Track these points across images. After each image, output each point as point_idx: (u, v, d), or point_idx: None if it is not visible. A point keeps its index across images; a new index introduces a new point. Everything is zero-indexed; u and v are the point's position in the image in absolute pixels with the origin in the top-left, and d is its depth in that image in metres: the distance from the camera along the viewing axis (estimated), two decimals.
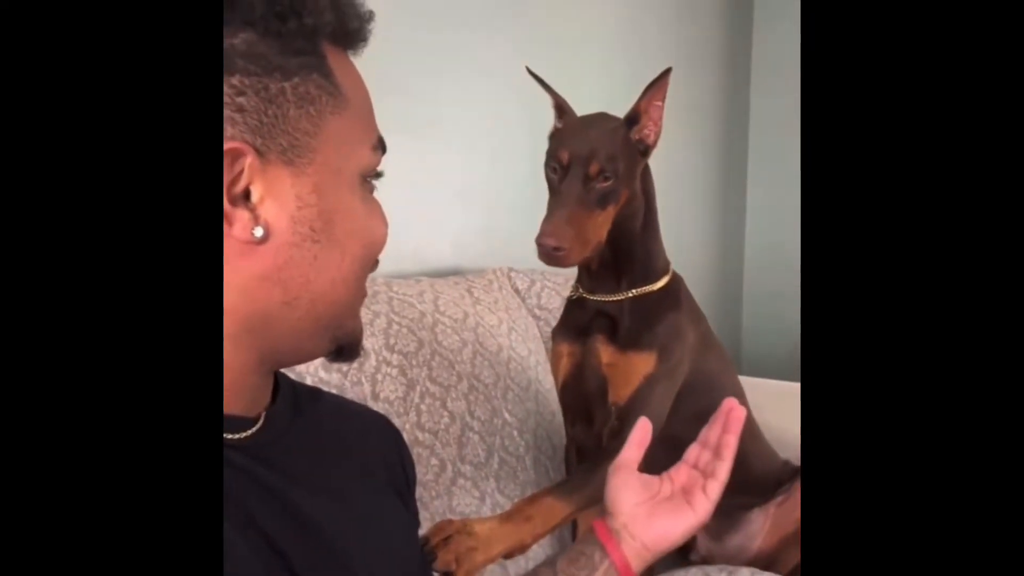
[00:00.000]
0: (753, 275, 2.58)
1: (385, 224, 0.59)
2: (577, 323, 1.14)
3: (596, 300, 1.12)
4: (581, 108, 1.12)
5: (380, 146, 0.59)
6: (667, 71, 1.02)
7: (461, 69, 1.58)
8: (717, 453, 0.77)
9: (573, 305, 1.16)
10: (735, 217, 2.57)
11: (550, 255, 0.98)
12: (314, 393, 0.69)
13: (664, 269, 1.13)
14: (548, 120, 1.11)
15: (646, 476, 0.77)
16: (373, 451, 0.70)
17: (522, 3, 1.74)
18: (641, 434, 0.79)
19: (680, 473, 0.78)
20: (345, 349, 0.60)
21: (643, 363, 1.07)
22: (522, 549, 0.95)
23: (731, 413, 0.77)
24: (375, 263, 0.60)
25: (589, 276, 1.12)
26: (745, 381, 1.27)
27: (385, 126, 0.60)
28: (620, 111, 1.07)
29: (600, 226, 1.02)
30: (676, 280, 1.15)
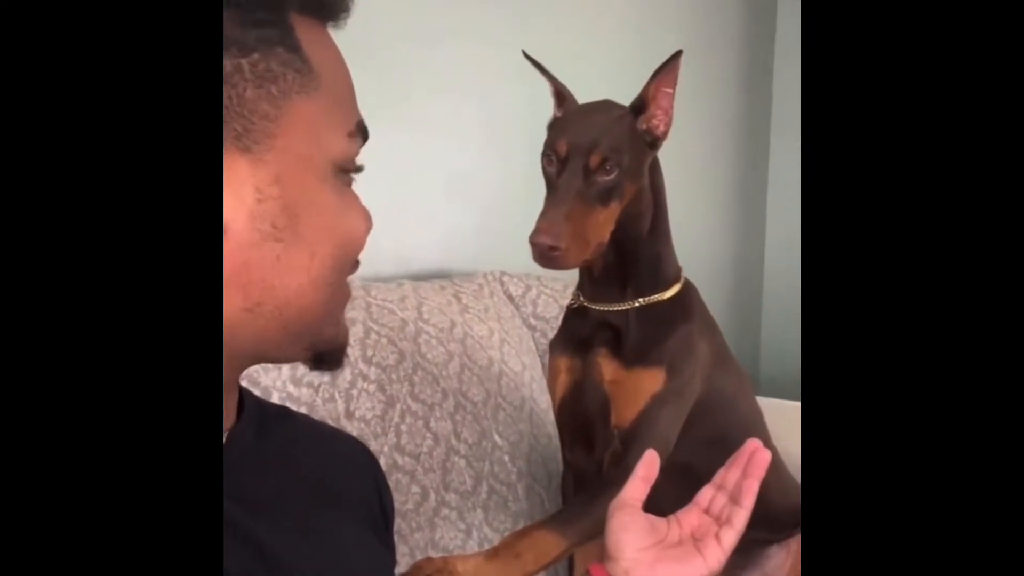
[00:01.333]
0: (773, 285, 2.52)
1: (365, 220, 0.57)
2: (578, 335, 1.09)
3: (599, 309, 1.07)
4: (588, 95, 1.07)
5: (360, 133, 0.55)
6: (677, 54, 0.98)
7: (451, 45, 1.53)
8: (735, 499, 0.73)
9: (573, 314, 1.12)
10: (754, 220, 2.51)
11: (545, 255, 0.94)
12: (283, 413, 0.67)
13: (675, 276, 1.09)
14: (549, 105, 1.07)
15: (652, 518, 0.74)
16: (347, 481, 0.68)
17: None
18: (647, 469, 0.75)
19: (691, 517, 0.75)
20: (325, 356, 0.58)
21: (650, 381, 1.03)
22: None
23: (754, 456, 0.74)
24: (355, 264, 0.57)
25: (591, 282, 1.07)
26: (763, 403, 1.21)
27: (363, 107, 0.57)
28: (629, 99, 1.03)
29: (602, 225, 0.98)
30: (688, 288, 1.10)
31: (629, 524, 0.72)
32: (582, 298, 1.09)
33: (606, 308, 1.06)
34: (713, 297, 1.20)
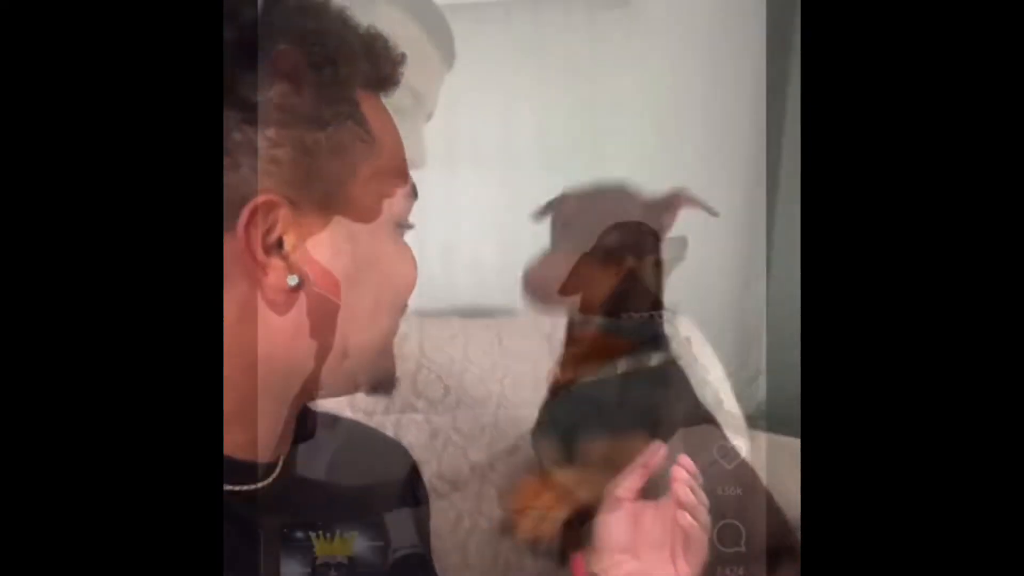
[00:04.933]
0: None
1: (415, 268, 0.60)
2: None
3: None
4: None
5: (412, 193, 0.59)
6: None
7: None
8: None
9: None
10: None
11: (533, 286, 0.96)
12: (331, 422, 0.69)
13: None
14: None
15: (640, 514, 0.72)
16: (381, 483, 0.70)
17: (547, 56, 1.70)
18: (650, 458, 0.73)
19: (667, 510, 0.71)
20: (380, 386, 0.62)
21: None
22: None
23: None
24: (405, 306, 0.61)
25: None
26: None
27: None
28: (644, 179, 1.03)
29: (597, 281, 0.97)
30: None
31: (617, 519, 0.72)
32: None
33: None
34: None
